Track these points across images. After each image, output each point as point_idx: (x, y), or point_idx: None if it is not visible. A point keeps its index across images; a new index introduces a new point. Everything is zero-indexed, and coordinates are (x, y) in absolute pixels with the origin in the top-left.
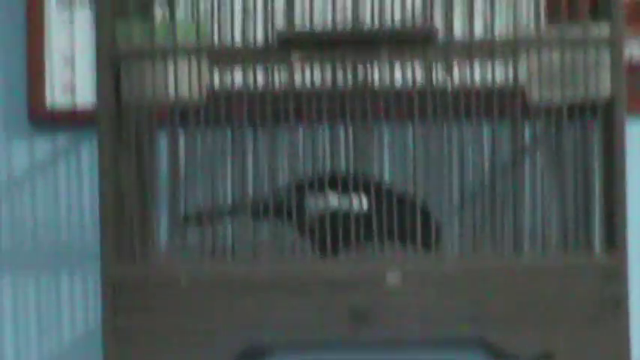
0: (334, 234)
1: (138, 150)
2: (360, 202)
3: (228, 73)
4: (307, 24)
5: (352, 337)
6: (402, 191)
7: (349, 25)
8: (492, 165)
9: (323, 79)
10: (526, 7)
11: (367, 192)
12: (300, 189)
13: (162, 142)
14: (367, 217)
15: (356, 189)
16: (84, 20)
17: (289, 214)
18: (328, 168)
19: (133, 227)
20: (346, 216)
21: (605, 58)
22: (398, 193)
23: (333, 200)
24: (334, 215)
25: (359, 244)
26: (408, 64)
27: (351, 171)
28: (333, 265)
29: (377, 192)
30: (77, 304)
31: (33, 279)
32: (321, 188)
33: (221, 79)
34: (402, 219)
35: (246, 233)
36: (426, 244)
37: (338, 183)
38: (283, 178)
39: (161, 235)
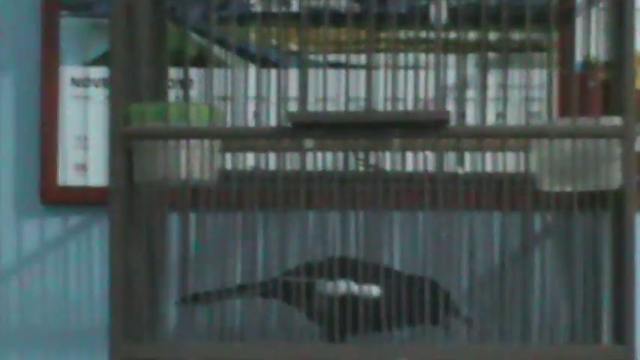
0: (343, 319)
1: (148, 230)
2: (369, 289)
3: (240, 154)
4: (320, 108)
5: None
6: (411, 274)
7: (362, 109)
8: (502, 253)
9: (334, 162)
10: (538, 98)
11: (376, 278)
12: (309, 272)
13: (174, 223)
14: (376, 302)
15: (365, 274)
16: (98, 99)
17: (298, 296)
18: (338, 253)
19: (142, 307)
20: (355, 301)
21: (616, 150)
22: (407, 275)
23: (342, 285)
24: (343, 300)
25: (367, 330)
26: (420, 149)
27: (361, 256)
28: (340, 350)
29: (386, 276)
30: None
31: (41, 357)
32: (331, 273)
33: (233, 161)
34: (411, 299)
35: (255, 314)
36: (435, 319)
37: (347, 268)
38: (293, 261)
39: (170, 315)
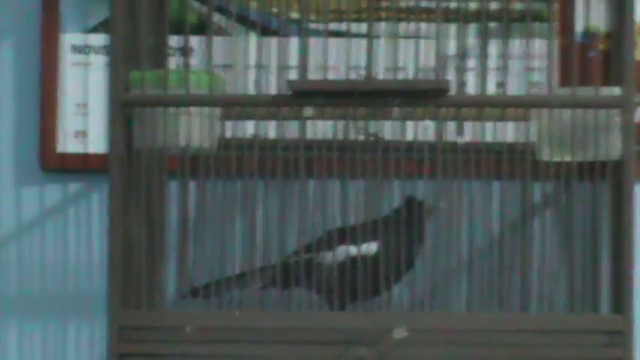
0: (342, 286)
1: (148, 197)
2: (368, 246)
3: (240, 122)
4: (320, 76)
5: None
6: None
7: (362, 77)
8: (501, 223)
9: (334, 131)
10: (538, 68)
11: (375, 232)
12: (308, 249)
13: (173, 190)
14: (375, 258)
15: (363, 233)
16: (98, 66)
17: (297, 275)
18: (338, 221)
19: (140, 274)
20: (354, 263)
21: (616, 120)
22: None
23: (341, 252)
24: (342, 266)
25: (367, 295)
26: (420, 118)
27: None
28: (340, 317)
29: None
30: (83, 350)
31: (40, 325)
32: (329, 244)
33: (233, 129)
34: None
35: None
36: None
37: (345, 236)
38: (292, 230)
39: (169, 282)
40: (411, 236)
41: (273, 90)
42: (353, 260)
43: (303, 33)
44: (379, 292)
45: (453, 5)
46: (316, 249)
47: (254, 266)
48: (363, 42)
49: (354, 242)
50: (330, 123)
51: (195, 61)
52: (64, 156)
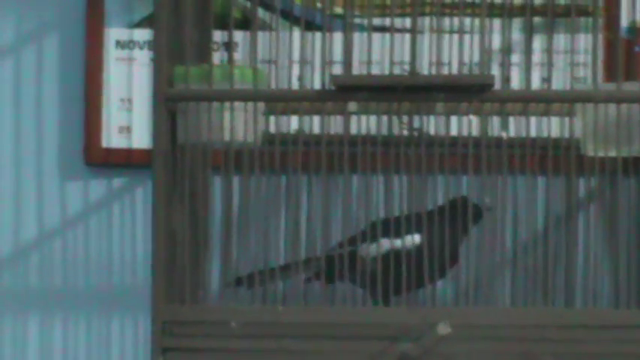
0: (386, 279)
1: (192, 192)
2: (412, 238)
3: (284, 118)
4: (364, 71)
5: None
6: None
7: (406, 72)
8: (546, 218)
9: (378, 126)
10: (583, 62)
11: (419, 225)
12: (352, 241)
13: (217, 185)
14: (419, 249)
15: (407, 224)
16: (142, 61)
17: (341, 268)
18: (381, 216)
19: (185, 270)
20: (398, 256)
21: None
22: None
23: (385, 244)
24: (386, 258)
25: (410, 287)
26: (464, 113)
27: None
28: (383, 312)
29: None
30: (128, 345)
31: (84, 319)
32: (373, 236)
33: (277, 124)
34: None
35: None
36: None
37: (389, 228)
38: (336, 225)
39: (213, 277)
40: (455, 231)
41: (317, 85)
42: (396, 252)
43: (347, 28)
44: (423, 285)
45: (497, 0)
46: (360, 241)
47: (298, 258)
48: (407, 37)
49: (398, 234)
50: (373, 118)
51: (239, 56)
52: (109, 151)
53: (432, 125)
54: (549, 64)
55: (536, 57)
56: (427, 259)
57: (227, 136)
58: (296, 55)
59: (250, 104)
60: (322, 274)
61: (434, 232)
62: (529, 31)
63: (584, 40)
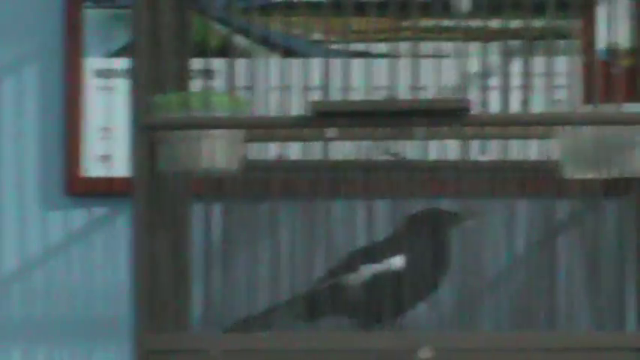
0: (368, 306)
1: (173, 220)
2: (393, 261)
3: (264, 144)
4: (343, 97)
5: None
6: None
7: (384, 98)
8: (527, 241)
9: (358, 151)
10: (561, 85)
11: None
12: (333, 274)
13: (198, 213)
14: (399, 273)
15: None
16: (122, 90)
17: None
18: (363, 242)
19: (166, 298)
20: (379, 281)
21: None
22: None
23: (365, 270)
24: (367, 285)
25: (393, 312)
26: (443, 137)
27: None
28: (366, 337)
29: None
30: None
31: (67, 349)
32: (354, 265)
33: (257, 151)
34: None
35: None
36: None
37: (369, 254)
38: (319, 250)
39: (194, 305)
40: (435, 255)
41: (295, 111)
42: (378, 277)
43: (325, 54)
44: (406, 309)
45: (474, 24)
46: (341, 272)
47: (280, 297)
48: (385, 62)
49: (379, 259)
50: (353, 143)
51: (217, 83)
52: (89, 180)
53: (411, 150)
54: (527, 87)
55: (515, 80)
56: (409, 281)
57: (206, 164)
58: (275, 82)
59: (229, 131)
60: (306, 314)
61: (414, 249)
62: (506, 55)
63: (561, 63)
